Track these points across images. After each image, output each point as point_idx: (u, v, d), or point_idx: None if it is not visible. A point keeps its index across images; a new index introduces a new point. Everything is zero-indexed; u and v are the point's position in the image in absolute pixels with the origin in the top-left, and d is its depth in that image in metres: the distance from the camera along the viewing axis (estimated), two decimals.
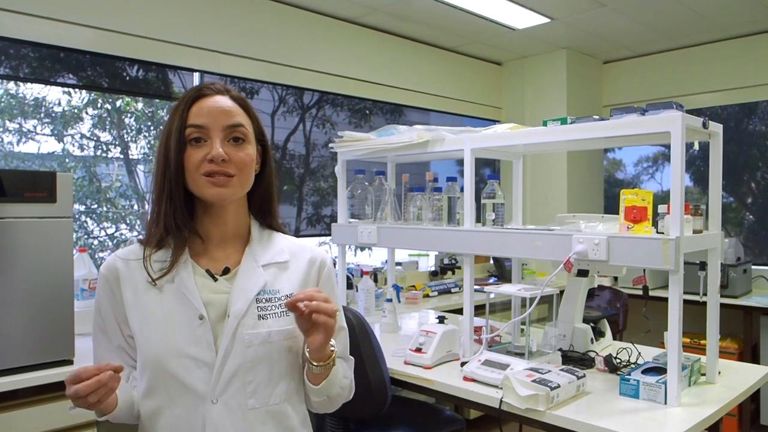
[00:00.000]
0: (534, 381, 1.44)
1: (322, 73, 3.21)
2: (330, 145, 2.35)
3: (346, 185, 2.33)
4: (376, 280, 3.04)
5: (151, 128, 2.88)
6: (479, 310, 2.01)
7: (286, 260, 1.04)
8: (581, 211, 3.74)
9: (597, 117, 1.67)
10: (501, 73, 4.29)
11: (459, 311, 2.86)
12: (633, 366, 1.69)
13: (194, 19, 2.71)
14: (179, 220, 0.97)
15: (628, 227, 1.50)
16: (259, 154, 1.05)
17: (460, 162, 1.96)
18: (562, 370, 1.54)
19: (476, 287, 1.96)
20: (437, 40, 3.74)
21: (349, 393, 1.10)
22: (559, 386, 1.43)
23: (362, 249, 3.75)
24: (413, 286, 3.36)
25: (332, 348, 0.99)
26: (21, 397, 1.64)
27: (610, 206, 4.23)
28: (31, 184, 1.69)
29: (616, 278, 3.36)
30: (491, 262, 3.97)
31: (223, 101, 0.99)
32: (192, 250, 1.01)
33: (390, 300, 2.38)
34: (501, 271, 3.82)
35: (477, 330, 1.97)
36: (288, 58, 3.06)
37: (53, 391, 1.67)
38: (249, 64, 2.91)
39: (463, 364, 1.73)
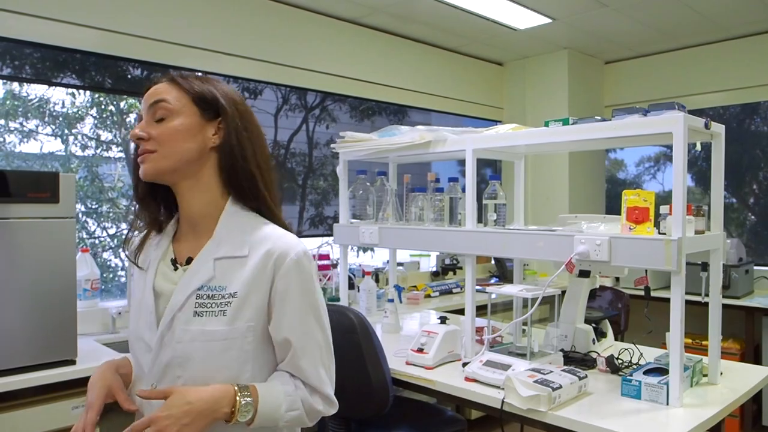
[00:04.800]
0: (536, 381, 1.44)
1: (324, 73, 3.21)
2: (332, 145, 2.35)
3: (348, 186, 2.33)
4: (377, 281, 3.04)
5: None
6: (481, 310, 2.01)
7: (245, 255, 0.95)
8: (583, 211, 3.74)
9: (599, 117, 1.67)
10: (502, 73, 4.28)
11: (460, 311, 2.85)
12: (635, 367, 1.69)
13: (197, 19, 2.71)
14: (143, 214, 1.04)
15: (630, 228, 1.50)
16: (224, 125, 0.98)
17: (462, 162, 1.96)
18: (563, 370, 1.54)
19: (478, 288, 1.96)
20: (439, 41, 3.74)
21: (309, 420, 0.99)
22: (560, 387, 1.43)
23: (364, 250, 3.75)
24: (414, 286, 3.36)
25: (232, 409, 0.90)
26: (24, 396, 1.65)
27: (612, 206, 4.23)
28: (34, 185, 1.69)
29: (617, 279, 3.36)
30: (492, 262, 3.97)
31: (154, 87, 0.99)
32: (176, 236, 1.04)
33: (392, 300, 2.38)
34: (502, 271, 3.82)
35: (478, 330, 1.97)
36: (290, 58, 3.06)
37: (56, 391, 1.68)
38: (252, 65, 2.92)
39: (464, 364, 1.73)
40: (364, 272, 2.77)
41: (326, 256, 3.13)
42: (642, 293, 1.94)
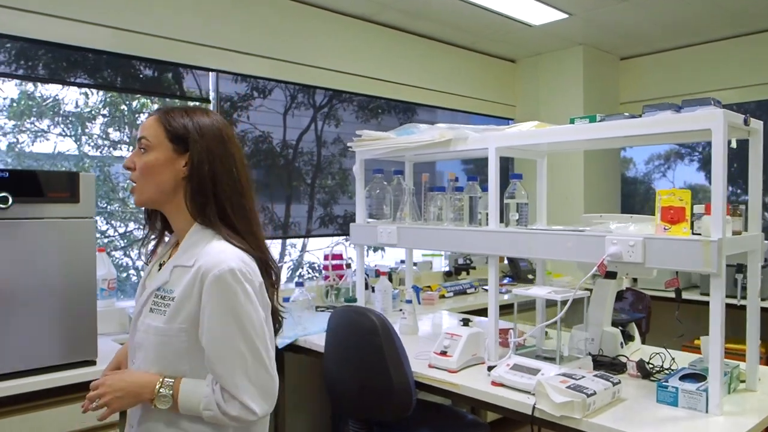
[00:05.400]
0: (569, 387, 1.40)
1: (334, 71, 3.17)
2: (349, 144, 2.31)
3: (364, 185, 2.29)
4: (390, 281, 3.00)
5: None
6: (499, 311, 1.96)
7: (191, 265, 1.08)
8: (599, 210, 3.68)
9: (627, 114, 1.63)
10: (515, 70, 4.23)
11: (476, 312, 2.81)
12: (667, 372, 1.64)
13: (208, 18, 2.68)
14: (152, 224, 1.22)
15: (664, 228, 1.45)
16: (189, 159, 1.10)
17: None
18: (596, 375, 1.49)
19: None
20: (450, 38, 3.69)
21: (229, 421, 1.04)
22: (595, 393, 1.39)
23: (375, 249, 3.70)
24: (428, 286, 3.32)
25: (152, 397, 1.05)
26: (46, 397, 1.63)
27: (624, 205, 4.17)
28: (54, 185, 1.67)
29: (635, 279, 3.30)
30: (506, 262, 3.92)
31: (144, 121, 1.14)
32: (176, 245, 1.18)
33: (410, 301, 2.34)
34: (516, 271, 3.76)
35: (502, 332, 1.93)
36: (301, 56, 3.02)
37: (78, 391, 1.65)
38: (262, 63, 2.88)
39: (490, 368, 1.69)
40: (379, 272, 2.73)
41: (339, 256, 3.09)
42: (662, 294, 1.88)
